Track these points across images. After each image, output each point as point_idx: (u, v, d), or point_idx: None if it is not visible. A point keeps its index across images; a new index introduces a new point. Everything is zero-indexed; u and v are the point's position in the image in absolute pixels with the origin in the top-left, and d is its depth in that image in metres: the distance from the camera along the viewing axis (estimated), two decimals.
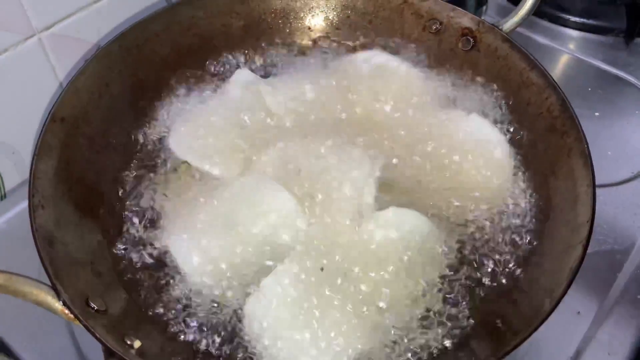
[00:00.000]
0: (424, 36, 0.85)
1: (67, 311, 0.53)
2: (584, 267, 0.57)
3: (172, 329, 0.61)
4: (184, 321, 0.61)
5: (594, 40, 1.05)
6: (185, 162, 0.73)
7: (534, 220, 0.68)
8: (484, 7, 1.03)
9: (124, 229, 0.68)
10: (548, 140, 0.71)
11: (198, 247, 0.63)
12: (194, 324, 0.61)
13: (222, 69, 0.84)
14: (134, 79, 0.77)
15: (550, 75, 0.73)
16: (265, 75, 0.83)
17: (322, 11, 0.90)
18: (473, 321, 0.61)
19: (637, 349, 0.69)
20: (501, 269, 0.65)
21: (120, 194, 0.71)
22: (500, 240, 0.67)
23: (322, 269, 0.61)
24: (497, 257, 0.66)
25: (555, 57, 1.03)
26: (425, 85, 0.81)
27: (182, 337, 0.60)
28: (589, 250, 0.58)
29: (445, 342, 0.60)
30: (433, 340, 0.60)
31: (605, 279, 0.74)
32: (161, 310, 0.62)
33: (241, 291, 0.62)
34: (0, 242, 0.78)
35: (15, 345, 0.68)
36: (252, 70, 0.82)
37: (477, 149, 0.73)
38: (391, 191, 0.70)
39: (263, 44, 0.87)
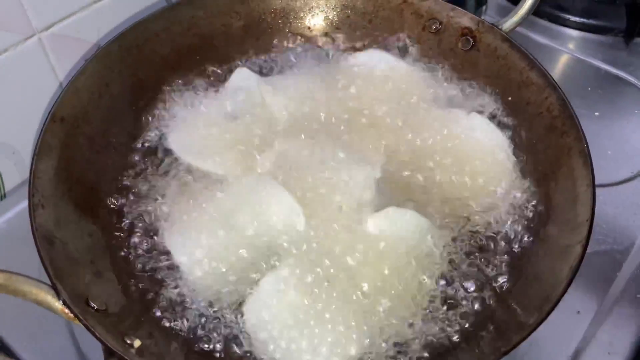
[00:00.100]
0: (424, 36, 0.85)
1: (67, 310, 0.54)
2: (583, 267, 0.57)
3: (171, 329, 0.61)
4: (184, 320, 0.61)
5: (593, 40, 1.05)
6: (185, 162, 0.73)
7: (533, 219, 0.68)
8: (484, 7, 1.03)
9: (124, 228, 0.68)
10: (548, 139, 0.71)
11: (197, 246, 0.63)
12: (193, 323, 0.61)
13: (221, 68, 0.84)
14: (134, 79, 0.77)
15: (550, 75, 0.73)
16: (265, 75, 0.83)
17: (322, 11, 0.90)
18: (472, 321, 0.61)
19: (637, 348, 0.69)
20: (500, 268, 0.65)
21: (120, 194, 0.71)
22: (499, 239, 0.67)
23: (327, 282, 0.61)
24: (496, 256, 0.66)
25: (555, 56, 1.03)
26: (425, 85, 0.81)
27: (182, 336, 0.60)
28: (588, 250, 0.58)
29: (444, 342, 0.60)
30: (433, 339, 0.60)
31: (605, 279, 0.74)
32: (161, 310, 0.62)
33: (240, 291, 0.62)
34: (0, 242, 0.78)
35: (15, 345, 0.68)
36: (252, 70, 0.82)
37: (477, 148, 0.73)
38: (390, 191, 0.70)
39: (263, 44, 0.87)
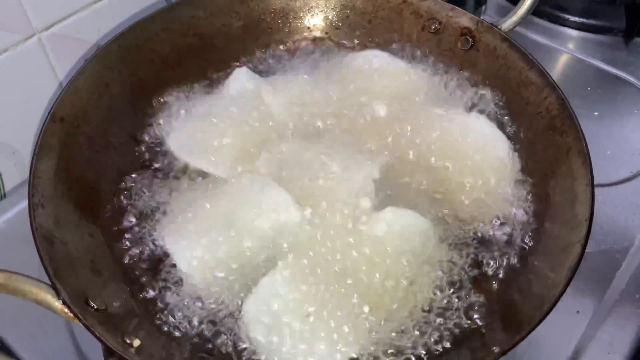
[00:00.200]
0: (423, 36, 0.85)
1: (66, 310, 0.54)
2: (583, 267, 0.57)
3: (171, 328, 0.61)
4: (184, 320, 0.61)
5: (593, 40, 1.05)
6: (185, 162, 0.73)
7: (532, 219, 0.68)
8: (483, 7, 1.03)
9: (124, 228, 0.68)
10: (547, 139, 0.71)
11: (197, 246, 0.63)
12: (193, 322, 0.61)
13: (221, 68, 0.84)
14: (133, 79, 0.78)
15: (549, 75, 0.73)
16: (265, 75, 0.83)
17: (321, 11, 0.90)
18: (472, 320, 0.61)
19: (637, 348, 0.69)
20: (500, 268, 0.65)
21: (120, 194, 0.71)
22: (498, 239, 0.67)
23: (327, 282, 0.61)
24: (495, 256, 0.66)
25: (554, 56, 1.04)
26: (424, 85, 0.81)
27: (182, 335, 0.60)
28: (587, 250, 0.58)
29: (444, 342, 0.60)
30: (432, 339, 0.60)
31: (604, 278, 0.74)
32: (161, 309, 0.62)
33: (240, 290, 0.62)
34: (0, 242, 0.78)
35: (15, 345, 0.68)
36: (252, 70, 0.82)
37: (476, 147, 0.73)
38: (390, 191, 0.70)
39: (263, 44, 0.88)
